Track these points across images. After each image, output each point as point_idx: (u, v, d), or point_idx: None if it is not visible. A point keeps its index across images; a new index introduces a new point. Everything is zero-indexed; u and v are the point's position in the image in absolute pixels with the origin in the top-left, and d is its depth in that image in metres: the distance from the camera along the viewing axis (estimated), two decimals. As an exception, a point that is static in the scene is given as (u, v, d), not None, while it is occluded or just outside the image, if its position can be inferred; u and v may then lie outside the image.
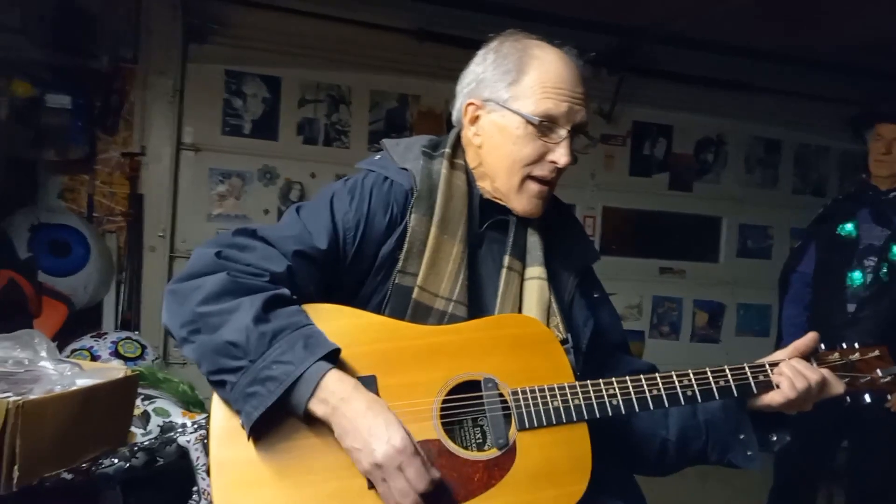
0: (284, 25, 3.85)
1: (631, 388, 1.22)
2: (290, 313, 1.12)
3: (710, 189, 4.81)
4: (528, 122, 1.28)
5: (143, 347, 3.00)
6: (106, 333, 3.09)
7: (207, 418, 2.29)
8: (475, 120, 1.35)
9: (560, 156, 1.30)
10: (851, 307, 2.53)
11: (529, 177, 1.32)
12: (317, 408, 1.06)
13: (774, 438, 1.33)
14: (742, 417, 1.31)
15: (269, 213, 3.95)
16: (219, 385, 1.11)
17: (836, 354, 1.33)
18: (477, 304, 1.31)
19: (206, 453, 2.21)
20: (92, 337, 3.02)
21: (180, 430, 2.21)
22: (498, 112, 1.32)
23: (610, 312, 1.48)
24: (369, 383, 1.13)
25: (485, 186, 1.37)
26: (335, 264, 1.26)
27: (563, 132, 1.30)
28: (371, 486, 1.07)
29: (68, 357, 2.37)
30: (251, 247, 1.20)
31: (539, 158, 1.31)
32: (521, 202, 1.33)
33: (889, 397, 1.36)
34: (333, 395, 1.06)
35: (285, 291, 1.15)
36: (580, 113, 1.31)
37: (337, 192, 1.31)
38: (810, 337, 1.32)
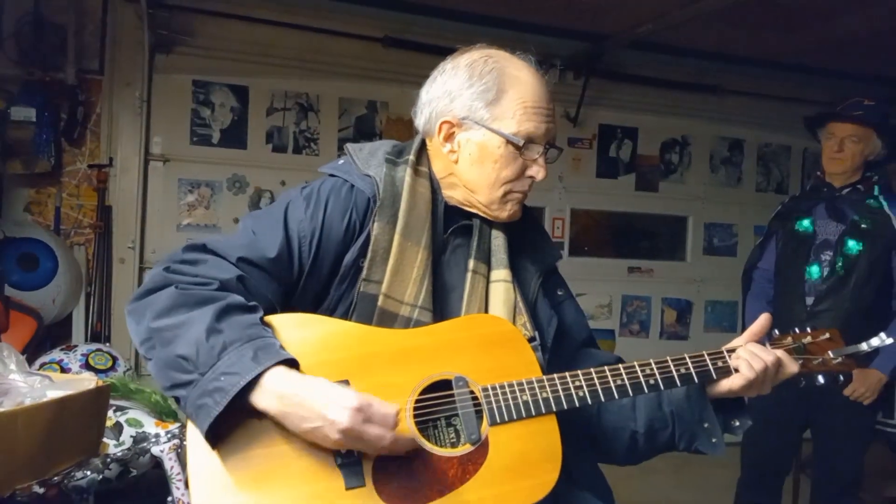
0: (251, 34, 3.85)
1: (596, 379, 1.26)
2: (244, 324, 1.12)
3: (675, 189, 4.90)
4: (510, 142, 1.31)
5: (115, 359, 2.99)
6: (76, 346, 3.07)
7: (181, 428, 2.29)
8: (450, 137, 1.36)
9: (538, 171, 1.35)
10: (810, 300, 2.59)
11: (510, 191, 1.36)
12: (260, 401, 1.07)
13: (737, 423, 1.37)
14: (704, 406, 1.35)
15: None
16: (176, 401, 1.12)
17: (790, 338, 1.38)
18: (442, 309, 1.33)
19: (181, 463, 2.21)
20: (62, 350, 3.00)
21: (153, 440, 2.21)
22: (476, 131, 1.33)
23: (574, 310, 1.51)
24: None
25: (454, 196, 1.39)
26: (288, 273, 1.27)
27: (540, 149, 1.34)
28: (350, 486, 1.10)
29: (38, 371, 2.36)
30: (201, 260, 1.21)
31: (519, 175, 1.35)
32: (504, 212, 1.37)
33: (842, 378, 1.41)
34: (275, 387, 1.07)
35: (239, 298, 1.15)
36: (553, 128, 1.36)
37: (293, 200, 1.32)
38: (763, 319, 1.37)
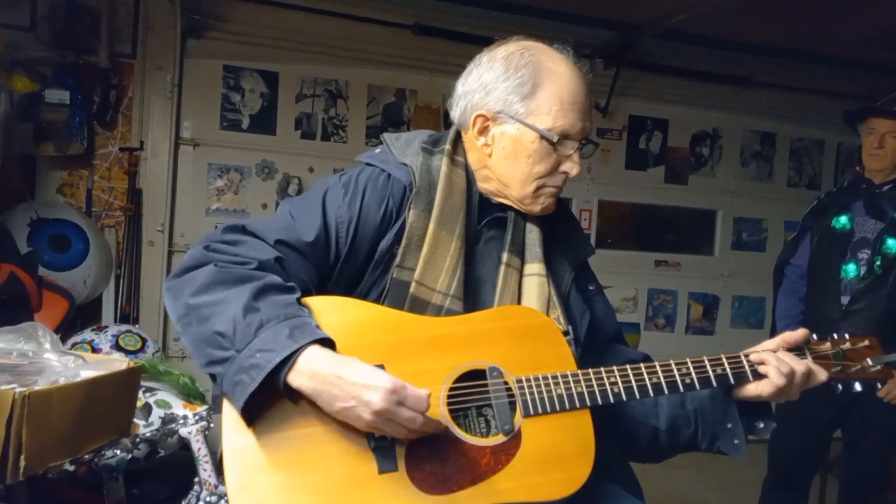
0: (282, 21, 3.86)
1: (631, 375, 1.25)
2: (281, 303, 1.12)
3: (705, 182, 4.84)
4: (544, 138, 1.30)
5: (144, 340, 3.03)
6: (106, 327, 3.11)
7: (208, 410, 2.32)
8: (484, 130, 1.35)
9: (572, 167, 1.34)
10: (845, 300, 2.54)
11: (543, 185, 1.35)
12: (294, 380, 1.08)
13: (762, 426, 1.35)
14: (729, 406, 1.33)
15: (268, 208, 3.97)
16: (213, 378, 1.14)
17: (828, 344, 1.37)
18: (474, 299, 1.33)
19: (208, 444, 2.24)
20: (93, 330, 3.04)
21: (182, 421, 2.24)
22: (511, 125, 1.32)
23: (604, 304, 1.50)
24: None
25: (487, 187, 1.39)
26: (325, 258, 1.28)
27: (575, 145, 1.32)
28: (383, 470, 1.10)
29: (69, 350, 2.40)
30: (240, 240, 1.22)
31: (553, 171, 1.34)
32: (537, 206, 1.36)
33: (879, 385, 1.39)
34: (310, 365, 1.07)
35: (276, 278, 1.16)
36: (589, 125, 1.34)
37: (331, 186, 1.33)
38: (801, 332, 1.35)
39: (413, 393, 1.08)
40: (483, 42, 1.43)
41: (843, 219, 2.61)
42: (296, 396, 1.11)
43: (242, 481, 1.09)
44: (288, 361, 1.07)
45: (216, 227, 1.29)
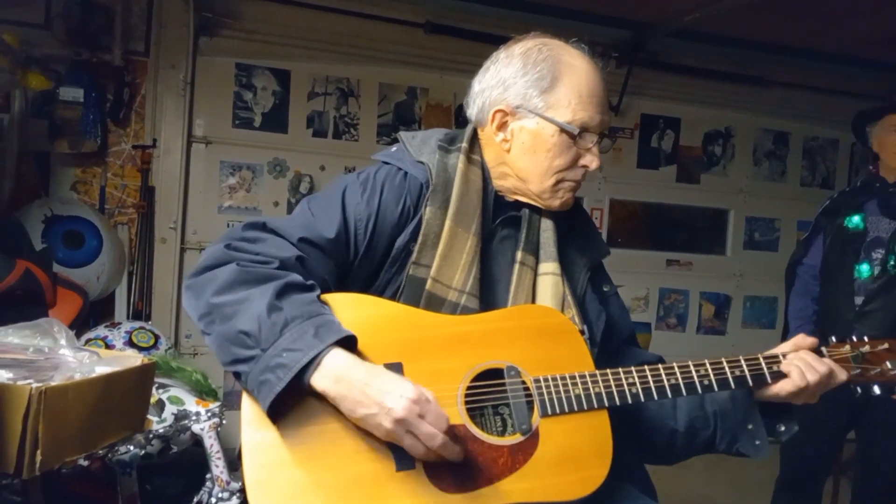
0: (294, 19, 3.87)
1: (649, 376, 1.25)
2: (303, 301, 1.13)
3: (717, 181, 4.81)
4: (564, 131, 1.30)
5: (157, 337, 3.05)
6: (120, 323, 3.13)
7: (221, 406, 2.34)
8: (503, 126, 1.36)
9: (591, 160, 1.34)
10: (859, 300, 2.53)
11: (563, 179, 1.35)
12: (318, 383, 1.08)
13: (783, 428, 1.35)
14: (750, 408, 1.33)
15: (279, 206, 3.97)
16: (237, 376, 1.14)
17: (847, 347, 1.37)
18: (489, 297, 1.33)
19: (220, 441, 2.25)
20: (106, 327, 3.06)
21: (194, 418, 2.25)
22: (530, 119, 1.33)
23: (619, 306, 1.51)
24: (395, 370, 1.16)
25: (504, 184, 1.39)
26: (345, 255, 1.29)
27: (594, 138, 1.33)
28: (401, 468, 1.10)
29: (84, 347, 2.41)
30: (261, 238, 1.23)
31: (573, 164, 1.34)
32: (556, 200, 1.37)
33: (897, 389, 1.39)
34: (335, 369, 1.08)
35: (297, 277, 1.17)
36: (607, 119, 1.35)
37: (349, 184, 1.33)
38: (811, 340, 1.35)
39: (436, 410, 1.08)
40: (495, 40, 1.43)
41: (857, 218, 2.59)
42: (316, 393, 1.11)
43: (261, 476, 1.10)
44: (314, 361, 1.08)
45: (229, 225, 1.30)
